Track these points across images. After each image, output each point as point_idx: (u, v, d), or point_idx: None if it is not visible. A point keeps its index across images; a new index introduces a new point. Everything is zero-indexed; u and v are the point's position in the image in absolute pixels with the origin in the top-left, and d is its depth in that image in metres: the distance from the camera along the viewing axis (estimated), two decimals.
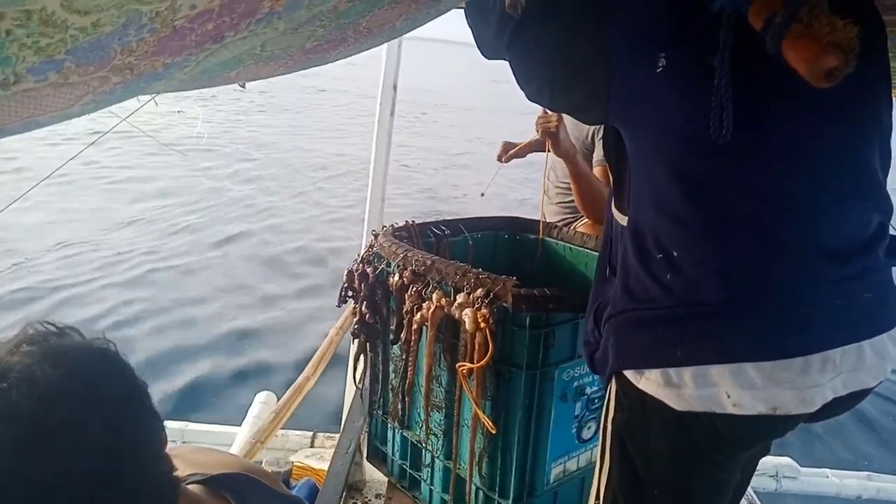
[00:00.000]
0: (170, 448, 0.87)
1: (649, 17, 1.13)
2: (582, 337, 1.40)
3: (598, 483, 1.23)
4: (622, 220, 1.22)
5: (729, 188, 1.06)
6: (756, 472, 3.05)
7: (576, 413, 1.85)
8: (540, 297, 1.59)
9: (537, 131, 2.12)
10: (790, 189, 1.05)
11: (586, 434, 1.91)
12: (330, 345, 2.91)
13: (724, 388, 1.01)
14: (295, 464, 2.59)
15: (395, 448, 2.21)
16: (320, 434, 3.01)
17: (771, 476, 3.20)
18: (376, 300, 2.00)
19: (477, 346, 1.58)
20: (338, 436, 2.38)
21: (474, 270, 1.68)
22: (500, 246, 2.48)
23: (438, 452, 1.99)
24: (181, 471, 0.89)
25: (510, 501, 1.80)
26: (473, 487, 1.87)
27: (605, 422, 1.20)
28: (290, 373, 4.38)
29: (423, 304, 1.74)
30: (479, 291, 1.61)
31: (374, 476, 2.37)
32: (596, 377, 1.83)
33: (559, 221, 2.56)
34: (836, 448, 4.58)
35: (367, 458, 2.35)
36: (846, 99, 1.09)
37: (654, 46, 1.09)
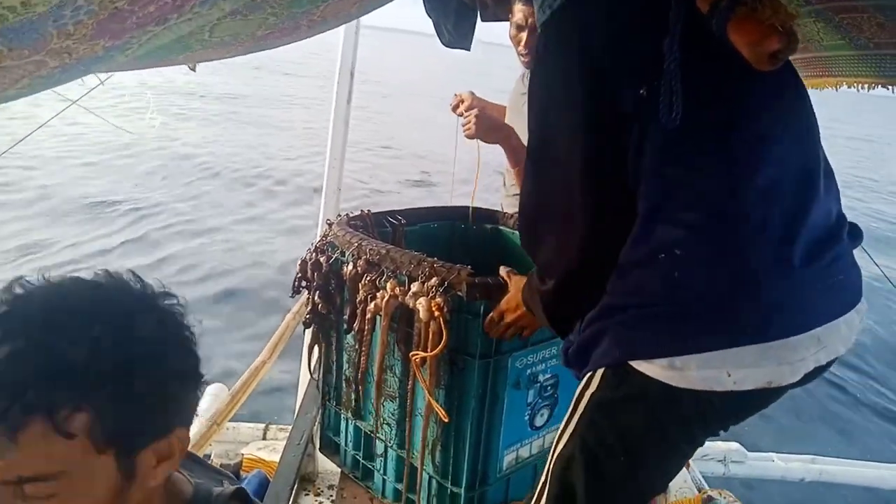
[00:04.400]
0: None
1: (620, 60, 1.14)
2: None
3: (560, 439, 1.27)
4: None
5: (716, 190, 1.12)
6: (705, 458, 3.16)
7: (528, 400, 1.86)
8: (494, 285, 1.60)
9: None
10: (771, 186, 1.12)
11: (539, 421, 1.93)
12: (286, 330, 2.88)
13: (726, 369, 1.08)
14: (245, 456, 2.55)
15: (349, 438, 2.20)
16: (273, 426, 2.96)
17: (719, 461, 3.28)
18: (330, 290, 1.98)
19: (431, 335, 1.58)
20: (290, 428, 2.36)
21: (429, 259, 1.68)
22: (457, 235, 2.49)
23: (391, 442, 1.99)
24: None
25: (462, 490, 1.81)
26: (426, 476, 1.88)
27: (584, 392, 1.22)
28: None
29: (378, 294, 1.73)
30: (434, 280, 1.61)
31: (327, 467, 2.35)
32: (550, 364, 1.85)
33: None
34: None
35: (319, 448, 2.34)
36: (794, 94, 1.21)
37: (635, 83, 1.12)
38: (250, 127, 14.77)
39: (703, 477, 2.82)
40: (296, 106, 18.57)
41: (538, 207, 1.30)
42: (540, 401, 1.90)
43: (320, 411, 2.30)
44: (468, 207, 2.51)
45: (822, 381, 5.39)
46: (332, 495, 2.24)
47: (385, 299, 1.69)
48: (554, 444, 1.28)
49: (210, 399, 3.05)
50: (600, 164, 1.16)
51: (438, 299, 1.57)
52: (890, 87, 2.09)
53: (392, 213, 2.32)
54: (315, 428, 2.32)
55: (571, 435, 1.24)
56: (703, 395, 1.10)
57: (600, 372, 1.19)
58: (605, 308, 1.18)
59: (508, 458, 1.90)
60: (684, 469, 2.69)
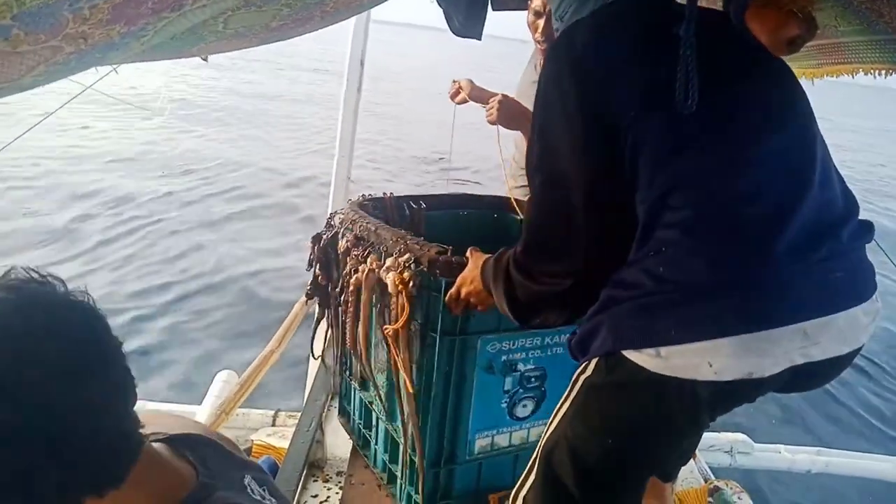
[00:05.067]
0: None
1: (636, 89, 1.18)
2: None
3: (552, 421, 1.34)
4: None
5: (711, 185, 1.15)
6: (711, 448, 3.19)
7: (506, 388, 1.88)
8: (456, 263, 1.62)
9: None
10: (761, 181, 1.16)
11: (521, 412, 1.95)
12: (295, 318, 2.90)
13: (707, 359, 1.11)
14: (255, 442, 2.60)
15: (355, 408, 2.27)
16: (282, 413, 2.98)
17: (726, 452, 3.25)
18: (329, 262, 2.05)
19: (399, 309, 1.64)
20: (299, 414, 2.41)
21: (411, 237, 1.73)
22: (482, 223, 2.50)
23: (381, 413, 2.04)
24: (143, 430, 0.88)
25: (426, 463, 1.85)
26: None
27: (579, 377, 1.29)
28: None
29: (360, 268, 1.79)
30: (406, 256, 1.67)
31: (336, 454, 2.38)
32: (533, 354, 1.88)
33: None
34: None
35: (338, 415, 2.40)
36: (790, 88, 1.25)
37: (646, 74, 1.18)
38: (281, 122, 14.85)
39: (709, 468, 2.81)
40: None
41: (541, 217, 1.34)
42: (521, 391, 1.91)
43: (338, 380, 2.34)
44: (495, 196, 2.51)
45: None
46: (340, 482, 2.26)
47: (365, 273, 1.75)
48: (547, 424, 1.35)
49: (220, 386, 3.10)
50: (599, 178, 1.20)
51: (405, 274, 1.62)
52: None
53: (415, 197, 2.34)
54: (325, 413, 2.38)
55: (563, 416, 1.30)
56: (687, 384, 1.13)
57: (595, 360, 1.26)
58: (603, 301, 1.25)
59: (481, 442, 1.92)
60: (691, 460, 2.66)
